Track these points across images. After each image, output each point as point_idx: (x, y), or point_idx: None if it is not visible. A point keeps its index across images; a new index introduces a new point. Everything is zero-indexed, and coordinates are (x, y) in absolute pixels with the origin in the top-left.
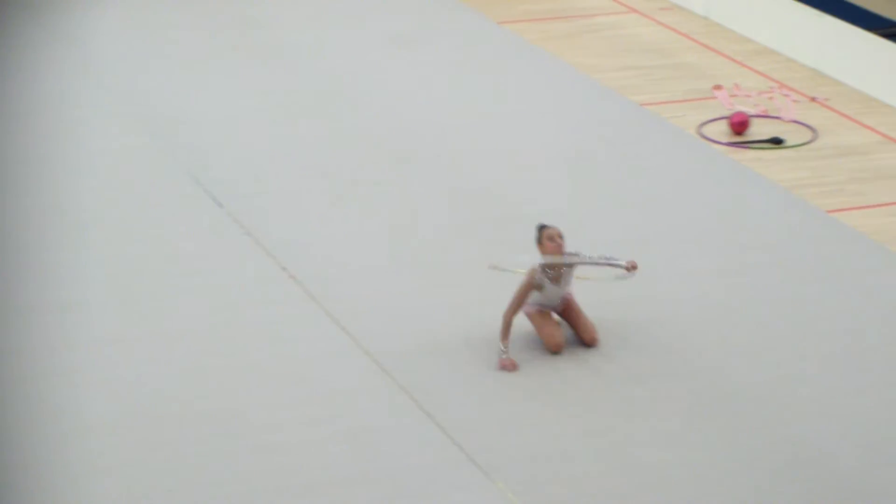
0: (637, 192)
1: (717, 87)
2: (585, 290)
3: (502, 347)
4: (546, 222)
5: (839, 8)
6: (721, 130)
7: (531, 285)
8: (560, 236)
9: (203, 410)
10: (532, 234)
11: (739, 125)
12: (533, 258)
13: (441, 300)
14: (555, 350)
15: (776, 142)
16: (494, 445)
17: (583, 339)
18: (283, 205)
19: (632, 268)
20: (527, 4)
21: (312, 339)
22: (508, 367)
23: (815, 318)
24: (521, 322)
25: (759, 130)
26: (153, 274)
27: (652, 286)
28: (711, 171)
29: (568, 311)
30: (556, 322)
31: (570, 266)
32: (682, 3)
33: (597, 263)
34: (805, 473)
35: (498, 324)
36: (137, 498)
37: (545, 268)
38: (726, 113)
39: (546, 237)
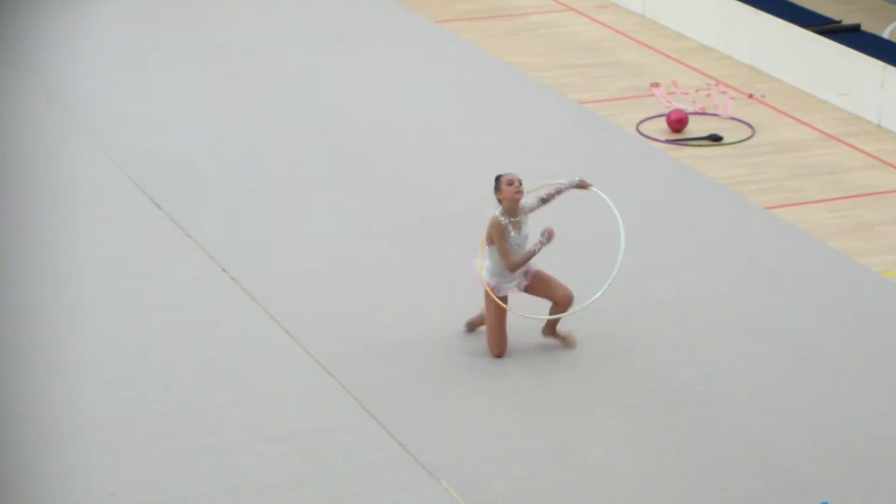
0: (576, 190)
1: (655, 85)
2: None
3: (536, 249)
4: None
5: (775, 5)
6: (659, 128)
7: (500, 229)
8: (519, 181)
9: (143, 412)
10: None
11: (677, 123)
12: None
13: (383, 300)
14: (497, 355)
15: (714, 139)
16: (438, 445)
17: (558, 301)
18: (223, 206)
19: (584, 185)
20: (464, 3)
21: (254, 340)
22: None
23: (755, 315)
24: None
25: (697, 128)
26: (93, 276)
27: (591, 285)
28: (650, 169)
29: (537, 282)
30: (505, 330)
31: (528, 212)
32: (618, 2)
33: (551, 195)
34: (750, 469)
35: (442, 323)
36: (80, 501)
37: (504, 214)
38: (664, 110)
39: (505, 182)
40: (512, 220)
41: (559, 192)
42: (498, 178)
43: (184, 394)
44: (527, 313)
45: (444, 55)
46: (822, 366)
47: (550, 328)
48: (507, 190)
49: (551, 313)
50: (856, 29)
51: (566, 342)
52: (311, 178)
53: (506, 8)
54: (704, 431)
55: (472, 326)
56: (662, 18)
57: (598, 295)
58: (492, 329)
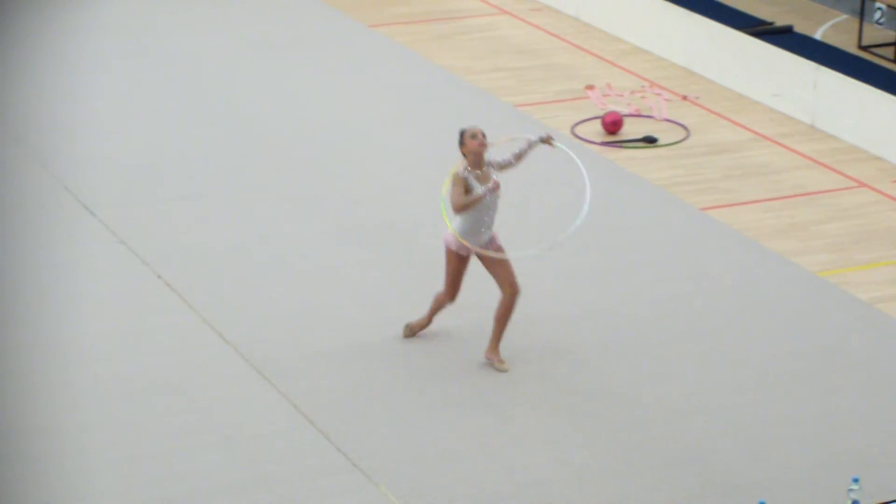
0: (511, 193)
1: (590, 87)
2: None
3: (480, 192)
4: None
5: (708, 7)
6: (594, 130)
7: (457, 180)
8: (483, 134)
9: (77, 421)
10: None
11: (612, 125)
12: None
13: (319, 306)
14: (451, 299)
15: (649, 141)
16: (377, 449)
17: (504, 291)
18: (157, 213)
19: (548, 140)
20: (397, 7)
21: (190, 347)
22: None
23: (690, 315)
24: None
25: (632, 130)
26: (26, 283)
27: (526, 286)
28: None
29: (496, 263)
30: (461, 282)
31: (499, 168)
32: (552, 4)
33: (524, 151)
34: (685, 470)
35: (378, 328)
36: None
37: (468, 168)
38: (599, 113)
39: (469, 136)
40: (476, 172)
41: (530, 146)
42: (462, 133)
43: (119, 402)
44: (483, 250)
45: (377, 59)
46: (756, 365)
47: (492, 349)
48: (470, 143)
49: (500, 302)
50: (788, 30)
51: (498, 366)
52: (244, 184)
53: (440, 11)
54: (641, 433)
55: (411, 331)
56: (597, 21)
57: (562, 237)
58: (448, 276)
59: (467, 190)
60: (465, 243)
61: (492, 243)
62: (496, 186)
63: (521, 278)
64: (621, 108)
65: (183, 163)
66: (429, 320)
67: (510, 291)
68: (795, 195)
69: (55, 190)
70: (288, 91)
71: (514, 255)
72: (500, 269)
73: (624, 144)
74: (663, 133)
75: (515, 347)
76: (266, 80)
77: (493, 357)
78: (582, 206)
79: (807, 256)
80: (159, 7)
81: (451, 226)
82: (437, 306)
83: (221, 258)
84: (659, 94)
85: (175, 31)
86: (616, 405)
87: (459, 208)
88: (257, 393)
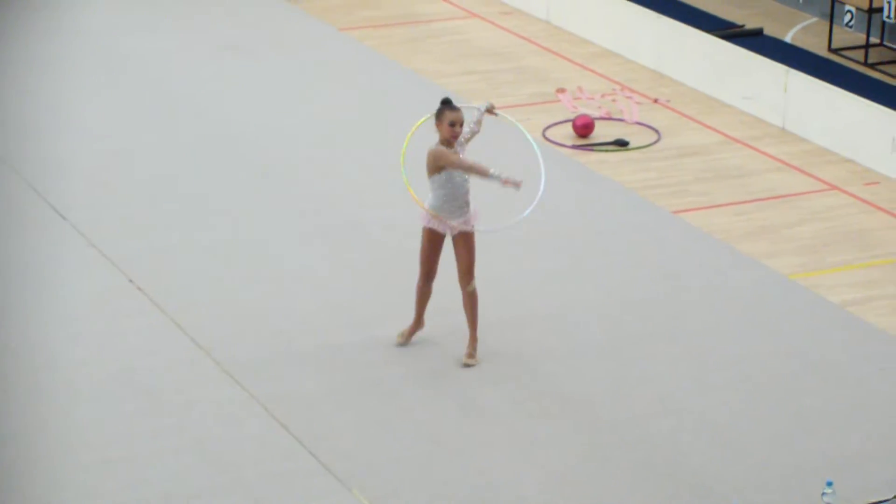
0: (483, 196)
1: (561, 91)
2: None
3: (493, 174)
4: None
5: (678, 10)
6: (566, 133)
7: (442, 152)
8: (461, 124)
9: (48, 426)
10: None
11: (583, 128)
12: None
13: (290, 309)
14: (419, 294)
15: (621, 144)
16: (350, 453)
17: (461, 274)
18: (126, 216)
19: (492, 110)
20: (367, 11)
21: (161, 350)
22: (511, 183)
23: (663, 317)
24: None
25: (603, 133)
26: None
27: (498, 289)
28: (557, 174)
29: (463, 243)
30: (437, 260)
31: (464, 143)
32: (522, 7)
33: (479, 122)
34: (658, 472)
35: (350, 331)
36: None
37: (441, 144)
38: (570, 116)
39: (447, 121)
40: (449, 149)
41: (480, 114)
42: (442, 110)
43: (90, 406)
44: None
45: (347, 62)
46: (729, 368)
47: (469, 351)
48: (446, 130)
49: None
50: (758, 33)
51: (465, 360)
52: (214, 187)
53: (410, 15)
54: (612, 435)
55: (405, 338)
56: (567, 24)
57: (520, 217)
58: (421, 260)
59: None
60: (437, 216)
61: (467, 223)
62: (514, 183)
63: (494, 281)
64: (592, 112)
65: (152, 166)
66: (419, 320)
67: (463, 284)
68: (767, 198)
69: (25, 193)
70: (257, 93)
71: (477, 229)
72: (463, 254)
73: (595, 147)
74: (634, 136)
75: (488, 349)
76: (235, 83)
77: (468, 354)
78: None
79: (778, 259)
80: (126, 10)
81: (418, 200)
82: (421, 299)
83: (193, 261)
84: (630, 97)
85: (142, 33)
86: (589, 407)
87: (467, 168)
88: (229, 396)
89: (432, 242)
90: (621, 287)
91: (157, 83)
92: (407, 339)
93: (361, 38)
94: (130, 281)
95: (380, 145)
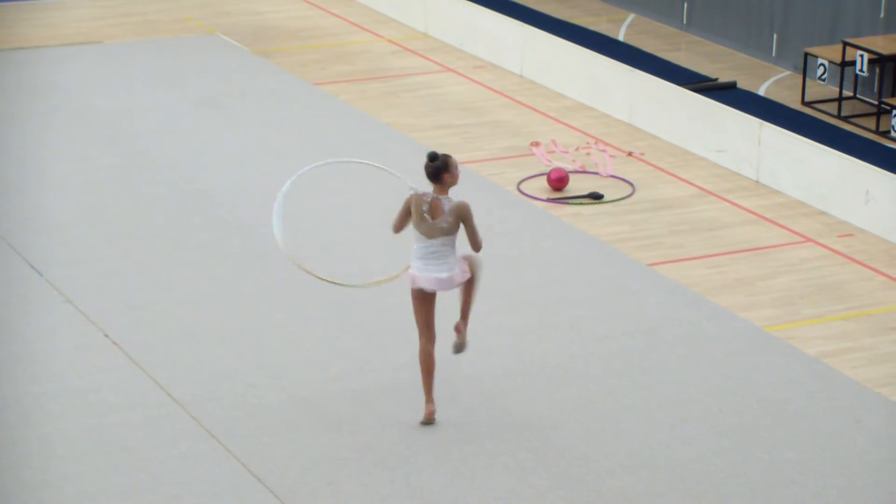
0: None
1: (535, 144)
2: None
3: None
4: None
5: (651, 64)
6: (540, 187)
7: (405, 204)
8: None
9: (20, 481)
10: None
11: (558, 181)
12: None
13: (264, 363)
14: (423, 362)
15: (595, 197)
16: None
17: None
18: (101, 272)
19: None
20: (341, 66)
21: (136, 406)
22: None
23: (637, 370)
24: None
25: (577, 186)
26: None
27: (475, 342)
28: (531, 228)
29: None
30: (429, 324)
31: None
32: (496, 62)
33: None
34: None
35: (325, 385)
36: None
37: (436, 195)
38: (544, 169)
39: (454, 165)
40: (442, 198)
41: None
42: (448, 162)
43: (64, 462)
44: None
45: (320, 116)
46: (704, 420)
47: (461, 324)
48: (457, 175)
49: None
50: (732, 87)
51: (458, 341)
52: (188, 242)
53: (384, 69)
54: (589, 488)
55: (428, 420)
56: (540, 78)
57: None
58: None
59: (408, 212)
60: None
61: (448, 283)
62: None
63: (468, 335)
64: (566, 165)
65: (126, 221)
66: (431, 398)
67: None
68: (741, 250)
69: (1, 249)
70: (231, 148)
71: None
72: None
73: (570, 201)
74: (609, 189)
75: (463, 404)
76: (210, 138)
77: (459, 331)
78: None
79: (754, 311)
80: (99, 65)
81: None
82: (426, 369)
83: (168, 316)
84: (604, 151)
85: (118, 89)
86: (564, 461)
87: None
88: (205, 451)
89: (417, 301)
90: (596, 340)
91: (131, 139)
92: (431, 420)
93: (335, 92)
94: (106, 336)
95: (354, 199)
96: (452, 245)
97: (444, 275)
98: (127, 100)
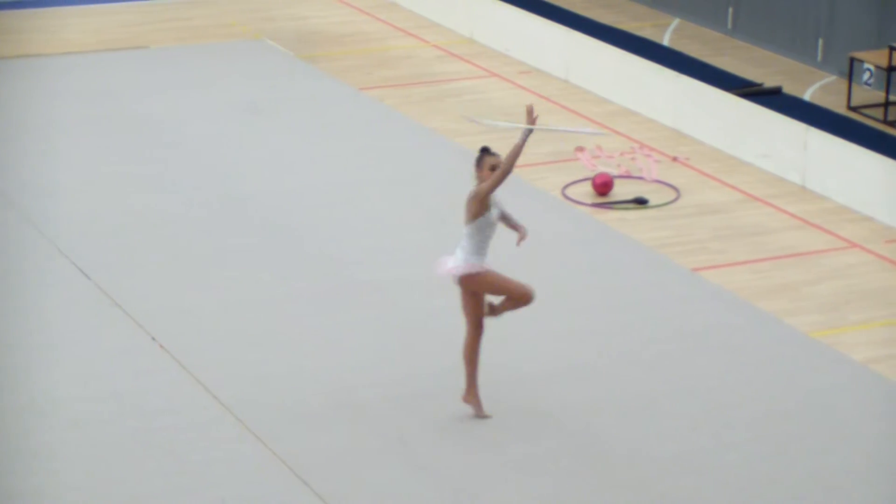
0: (502, 254)
1: (580, 149)
2: None
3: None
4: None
5: (697, 68)
6: (585, 192)
7: (479, 192)
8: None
9: (69, 484)
10: None
11: (603, 186)
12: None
13: (309, 367)
14: (467, 353)
15: (640, 202)
16: None
17: (467, 323)
18: (150, 275)
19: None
20: (386, 70)
21: (183, 409)
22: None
23: (682, 376)
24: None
25: (622, 191)
26: (22, 346)
27: (516, 347)
28: (576, 233)
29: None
30: (478, 312)
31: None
32: (541, 67)
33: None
34: None
35: (369, 390)
36: None
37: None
38: (589, 174)
39: (488, 166)
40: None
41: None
42: (482, 157)
43: (111, 464)
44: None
45: (365, 121)
46: (748, 425)
47: (470, 392)
48: (488, 175)
49: (465, 340)
50: (777, 92)
51: (478, 413)
52: (234, 247)
53: (429, 74)
54: (633, 493)
55: (478, 413)
56: (585, 83)
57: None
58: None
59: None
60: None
61: (442, 269)
62: (530, 114)
63: (512, 339)
64: (611, 170)
65: (172, 225)
66: (471, 386)
67: (474, 323)
68: (786, 256)
69: (50, 253)
70: (275, 153)
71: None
72: (473, 299)
73: (614, 206)
74: (653, 194)
75: (506, 407)
76: (254, 143)
77: (472, 401)
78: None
79: (798, 317)
80: (144, 70)
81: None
82: (470, 363)
83: (213, 320)
84: (649, 156)
85: (162, 94)
86: (607, 466)
87: (507, 166)
88: (250, 454)
89: (466, 292)
90: (640, 345)
91: (177, 143)
92: (479, 412)
93: (380, 97)
94: (153, 339)
95: (399, 204)
96: (466, 236)
97: (450, 263)
98: (172, 105)
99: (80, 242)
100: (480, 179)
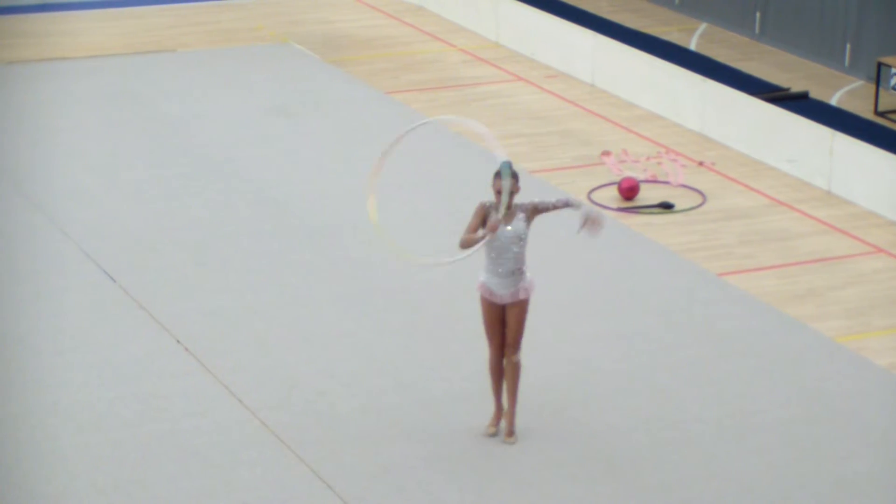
0: (529, 257)
1: (606, 153)
2: None
3: (480, 234)
4: (511, 168)
5: (723, 73)
6: (611, 196)
7: (478, 208)
8: (509, 193)
9: (93, 485)
10: None
11: (629, 190)
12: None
13: (334, 370)
14: (492, 372)
15: (666, 206)
16: None
17: (506, 345)
18: (176, 278)
19: (590, 220)
20: (413, 74)
21: (208, 412)
22: (493, 227)
23: (707, 381)
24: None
25: (648, 195)
26: (47, 349)
27: (544, 351)
28: (602, 237)
29: (512, 308)
30: (495, 334)
31: (525, 212)
32: (567, 71)
33: (546, 208)
34: None
35: (396, 392)
36: None
37: (494, 203)
38: (615, 179)
39: (495, 188)
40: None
41: (555, 207)
42: (498, 173)
43: (136, 467)
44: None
45: (391, 124)
46: (774, 431)
47: (507, 426)
48: (494, 184)
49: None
50: (804, 97)
51: (505, 439)
52: (259, 250)
53: (456, 78)
54: (658, 498)
55: (494, 426)
56: (611, 87)
57: None
58: (485, 331)
59: (482, 218)
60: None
61: (516, 294)
62: (493, 228)
63: (537, 344)
64: (637, 174)
65: (198, 228)
66: (498, 404)
67: (508, 353)
68: (812, 261)
69: (75, 256)
70: (302, 156)
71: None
72: (512, 324)
73: (640, 210)
74: (679, 199)
75: (530, 413)
76: (281, 146)
77: (509, 429)
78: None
79: (824, 322)
80: (172, 73)
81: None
82: (495, 378)
83: (239, 323)
84: (675, 160)
85: (188, 96)
86: (633, 470)
87: (463, 244)
88: (275, 457)
89: (489, 314)
90: (665, 349)
91: (204, 146)
92: (496, 426)
93: (407, 101)
94: (178, 342)
95: (425, 207)
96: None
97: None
98: (200, 108)
99: (106, 245)
100: (493, 189)
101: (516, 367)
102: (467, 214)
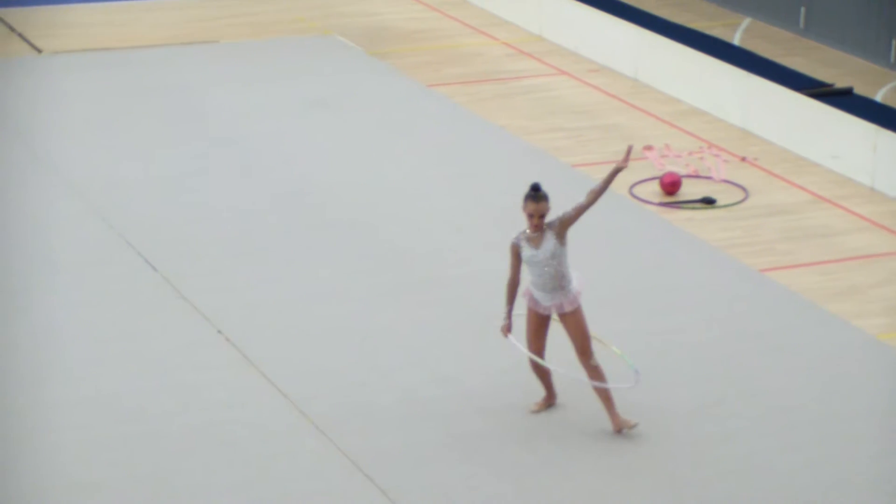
0: (570, 253)
1: (648, 148)
2: None
3: (504, 314)
4: (540, 190)
5: (767, 68)
6: (652, 191)
7: (510, 248)
8: (539, 216)
9: (131, 476)
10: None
11: (671, 185)
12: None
13: (373, 363)
14: (535, 368)
15: (708, 202)
16: None
17: (578, 353)
18: (217, 269)
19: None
20: (455, 67)
21: (248, 402)
22: (503, 332)
23: (747, 377)
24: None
25: (690, 191)
26: (88, 338)
27: None
28: (643, 232)
29: (565, 319)
30: (535, 341)
31: (559, 227)
32: (610, 65)
33: (577, 213)
34: None
35: (436, 386)
36: None
37: (525, 231)
38: (657, 173)
39: (526, 212)
40: (531, 234)
41: (579, 211)
42: (525, 197)
43: (174, 457)
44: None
45: (435, 118)
46: (813, 427)
47: (613, 421)
48: (525, 219)
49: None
50: (848, 93)
51: (628, 430)
52: (299, 242)
53: (498, 72)
54: (695, 492)
55: (539, 407)
56: (655, 82)
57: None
58: (527, 338)
59: (517, 256)
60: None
61: (562, 306)
62: (502, 330)
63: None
64: (679, 169)
65: (239, 220)
66: (549, 392)
67: (582, 361)
68: (854, 258)
69: (117, 245)
70: (343, 149)
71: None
72: (571, 334)
73: (682, 205)
74: (721, 194)
75: (570, 406)
76: (322, 139)
77: (620, 424)
78: None
79: (865, 319)
80: (214, 64)
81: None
82: (536, 374)
83: (280, 314)
84: (717, 156)
85: (230, 89)
86: (671, 464)
87: (507, 286)
88: (314, 448)
89: (531, 322)
90: (705, 345)
91: (243, 138)
92: (541, 408)
93: (450, 94)
94: (219, 332)
95: (466, 201)
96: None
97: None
98: (241, 99)
99: (148, 235)
100: (526, 213)
101: (595, 371)
102: None
